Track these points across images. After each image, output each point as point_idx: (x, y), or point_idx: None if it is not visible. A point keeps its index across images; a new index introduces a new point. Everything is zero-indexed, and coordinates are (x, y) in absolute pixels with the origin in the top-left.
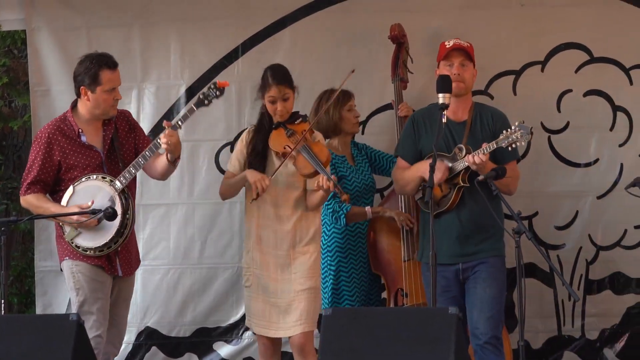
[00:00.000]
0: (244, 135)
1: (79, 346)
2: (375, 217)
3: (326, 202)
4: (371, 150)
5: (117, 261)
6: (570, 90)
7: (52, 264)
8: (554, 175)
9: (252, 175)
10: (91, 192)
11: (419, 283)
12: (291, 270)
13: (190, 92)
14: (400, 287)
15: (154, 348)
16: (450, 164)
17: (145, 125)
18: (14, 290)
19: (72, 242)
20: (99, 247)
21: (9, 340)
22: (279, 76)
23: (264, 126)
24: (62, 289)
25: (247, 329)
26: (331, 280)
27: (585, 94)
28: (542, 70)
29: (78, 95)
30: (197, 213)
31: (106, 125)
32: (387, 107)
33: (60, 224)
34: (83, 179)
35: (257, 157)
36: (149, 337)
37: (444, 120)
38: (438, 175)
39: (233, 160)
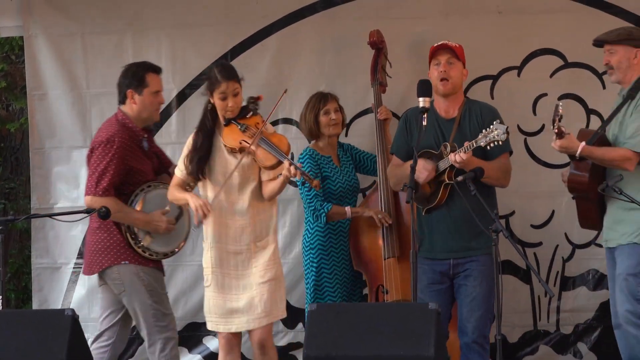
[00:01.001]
0: (190, 139)
1: (74, 340)
2: (355, 216)
3: (308, 201)
4: (356, 151)
5: (162, 262)
6: (546, 94)
7: (47, 261)
8: (531, 175)
9: (193, 201)
10: (161, 200)
11: (399, 280)
12: (252, 265)
13: (181, 96)
14: (381, 283)
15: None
16: (437, 162)
17: None
18: (12, 286)
19: (146, 248)
20: (170, 251)
21: (6, 334)
22: (227, 72)
23: (206, 125)
24: (58, 286)
25: None
26: (313, 277)
27: (560, 98)
28: (519, 75)
29: (122, 101)
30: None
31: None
32: (371, 110)
33: (135, 230)
34: (150, 186)
35: (198, 158)
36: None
37: (424, 123)
38: (424, 174)
39: (180, 164)
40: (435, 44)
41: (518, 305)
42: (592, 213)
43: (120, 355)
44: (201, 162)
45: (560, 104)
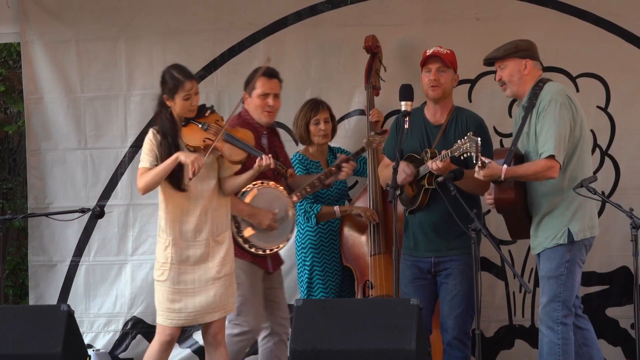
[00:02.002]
0: (151, 136)
1: (69, 334)
2: (344, 214)
3: (298, 203)
4: (347, 154)
5: (268, 259)
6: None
7: (44, 258)
8: None
9: (185, 156)
10: (271, 198)
11: (384, 275)
12: (209, 259)
13: None
14: (368, 279)
15: (139, 336)
16: (419, 166)
17: (133, 132)
18: (9, 282)
19: (245, 239)
20: (269, 248)
21: (4, 328)
22: (187, 71)
23: (169, 129)
24: (54, 282)
25: None
26: (306, 275)
27: None
28: (496, 78)
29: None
30: None
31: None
32: (355, 112)
33: (239, 219)
34: (263, 184)
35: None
36: (134, 326)
37: (406, 126)
38: (402, 177)
39: (146, 157)
40: (428, 52)
41: (493, 301)
42: (521, 225)
43: (113, 348)
44: (173, 169)
45: (479, 139)
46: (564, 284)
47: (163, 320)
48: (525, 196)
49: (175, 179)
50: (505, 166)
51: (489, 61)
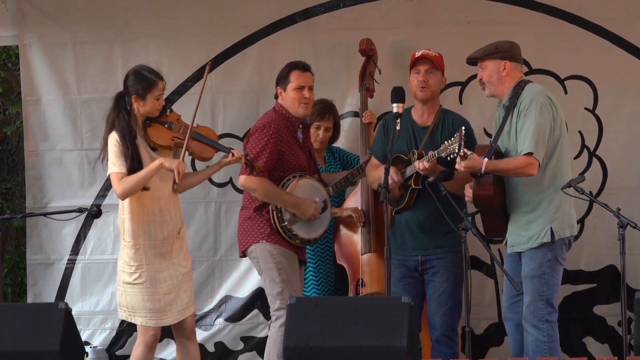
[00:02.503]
0: (116, 139)
1: (67, 332)
2: (334, 216)
3: None
4: (344, 153)
5: (303, 250)
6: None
7: (41, 257)
8: None
9: (169, 162)
10: (311, 189)
11: (374, 274)
12: (172, 256)
13: (167, 102)
14: (360, 277)
15: (135, 334)
16: (406, 167)
17: None
18: (8, 281)
19: (288, 229)
20: (313, 238)
21: (3, 326)
22: (157, 72)
23: (130, 131)
24: (51, 280)
25: (218, 316)
26: None
27: None
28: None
29: (276, 98)
30: None
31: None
32: (348, 114)
33: (283, 210)
34: (302, 175)
35: (134, 162)
36: (131, 324)
37: (397, 127)
38: (389, 182)
39: (118, 161)
40: (417, 54)
41: (483, 299)
42: (497, 223)
43: (110, 345)
44: (135, 165)
45: (464, 128)
46: (547, 282)
47: (146, 322)
48: (503, 194)
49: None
50: (486, 159)
51: (471, 61)
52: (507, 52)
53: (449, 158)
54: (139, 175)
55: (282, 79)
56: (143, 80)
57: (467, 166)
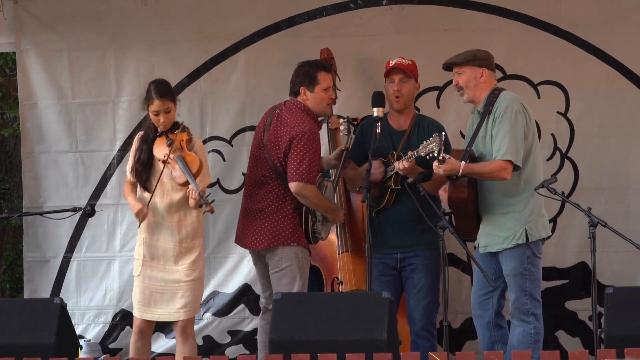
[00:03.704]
0: (135, 142)
1: (62, 326)
2: None
3: None
4: None
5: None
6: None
7: (38, 254)
8: None
9: (134, 207)
10: (332, 192)
11: (352, 272)
12: (178, 263)
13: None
14: (336, 276)
15: (127, 327)
16: (385, 169)
17: (121, 135)
18: (6, 277)
19: (317, 231)
20: (325, 237)
21: (0, 320)
22: (161, 90)
23: (149, 136)
24: (47, 277)
25: (206, 310)
26: None
27: None
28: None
29: (295, 94)
30: None
31: None
32: (326, 119)
33: (318, 214)
34: (325, 177)
35: (143, 166)
36: (123, 319)
37: (378, 130)
38: (377, 171)
39: (128, 166)
40: (391, 63)
41: (460, 294)
42: (469, 225)
43: (103, 339)
44: (143, 172)
45: (444, 133)
46: (529, 278)
47: (134, 312)
48: (476, 197)
49: (141, 179)
50: (463, 162)
51: (448, 66)
52: (484, 60)
53: (427, 157)
54: (127, 198)
55: (307, 80)
56: (146, 92)
57: (447, 170)
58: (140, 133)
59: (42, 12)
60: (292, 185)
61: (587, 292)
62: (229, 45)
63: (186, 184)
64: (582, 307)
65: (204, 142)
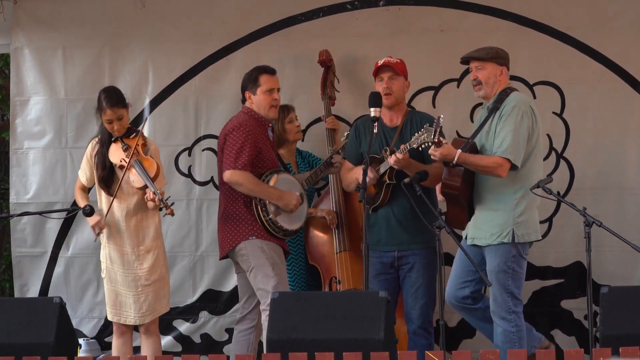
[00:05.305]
0: (89, 147)
1: (62, 325)
2: (308, 217)
3: None
4: (313, 158)
5: (285, 242)
6: (482, 104)
7: (25, 250)
8: None
9: (91, 220)
10: (289, 183)
11: (350, 271)
12: (137, 266)
13: (154, 104)
14: (334, 275)
15: None
16: (379, 165)
17: None
18: (7, 276)
19: (273, 221)
20: (295, 230)
21: (1, 319)
22: (112, 100)
23: (105, 142)
24: (36, 271)
25: (202, 308)
26: None
27: None
28: (458, 86)
29: (243, 102)
30: None
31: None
32: (317, 120)
33: (266, 203)
34: (278, 171)
35: (106, 171)
36: None
37: (375, 130)
38: (370, 176)
39: (81, 170)
40: (379, 62)
41: None
42: (461, 216)
43: (99, 333)
44: (105, 173)
45: (442, 116)
46: (512, 277)
47: (107, 315)
48: (471, 189)
49: (105, 185)
50: (459, 151)
51: (466, 60)
52: (504, 59)
53: (420, 148)
54: (79, 201)
55: (250, 83)
56: (97, 102)
57: (442, 153)
58: (96, 139)
59: (39, 11)
60: (224, 175)
61: (583, 292)
62: (225, 44)
63: (144, 187)
64: (577, 307)
65: (199, 140)
